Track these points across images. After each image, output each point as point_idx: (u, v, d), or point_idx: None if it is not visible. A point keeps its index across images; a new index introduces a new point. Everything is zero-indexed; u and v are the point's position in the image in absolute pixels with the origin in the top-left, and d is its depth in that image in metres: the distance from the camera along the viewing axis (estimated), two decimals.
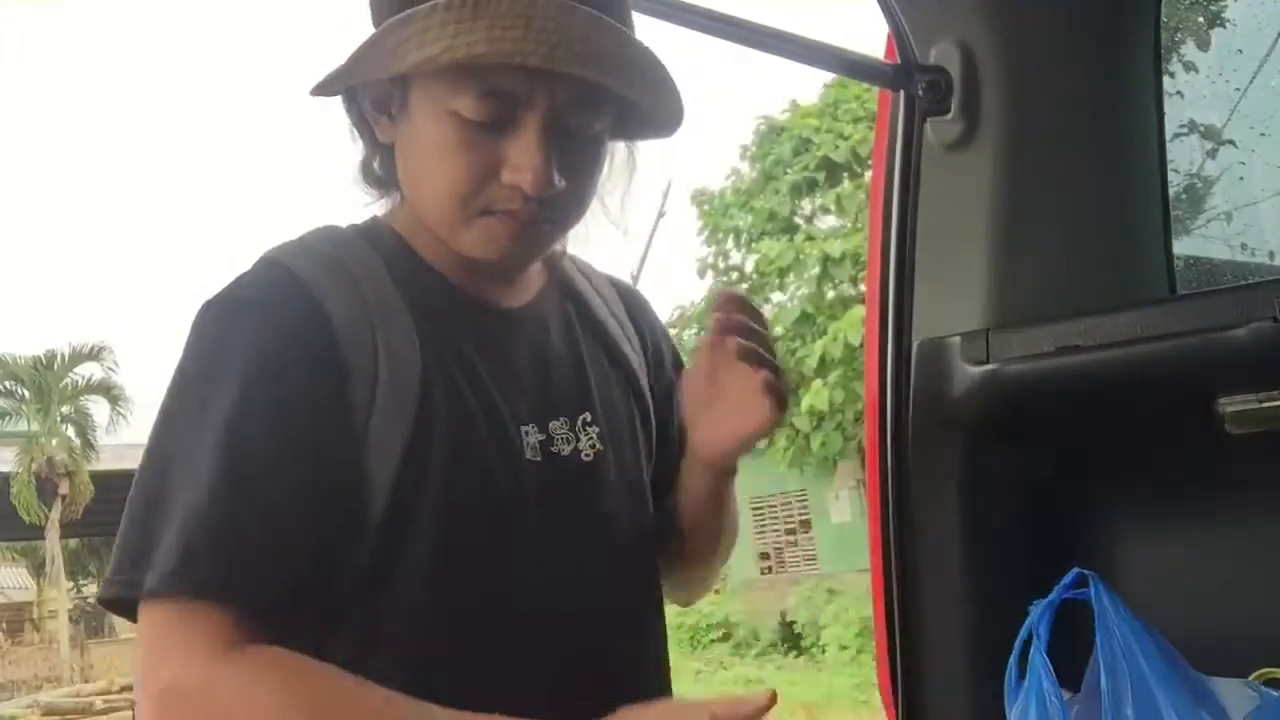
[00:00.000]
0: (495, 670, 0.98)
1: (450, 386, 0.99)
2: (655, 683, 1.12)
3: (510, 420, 1.01)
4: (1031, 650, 1.02)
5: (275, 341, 0.94)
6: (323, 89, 1.00)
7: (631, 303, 1.21)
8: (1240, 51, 1.54)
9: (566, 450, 1.05)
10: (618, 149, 1.07)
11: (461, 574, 0.97)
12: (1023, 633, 1.04)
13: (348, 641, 0.94)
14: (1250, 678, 1.08)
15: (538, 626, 1.00)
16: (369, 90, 1.00)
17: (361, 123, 1.03)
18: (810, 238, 13.97)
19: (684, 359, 1.22)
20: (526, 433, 1.02)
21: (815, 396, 12.83)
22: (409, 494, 0.96)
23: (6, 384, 21.30)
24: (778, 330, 13.71)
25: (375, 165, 1.04)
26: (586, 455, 1.05)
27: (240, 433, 0.90)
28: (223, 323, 0.95)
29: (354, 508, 0.94)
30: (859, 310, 11.48)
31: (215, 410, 0.91)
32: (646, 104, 1.02)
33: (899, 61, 1.28)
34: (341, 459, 0.94)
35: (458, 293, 1.05)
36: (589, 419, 1.07)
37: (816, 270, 13.46)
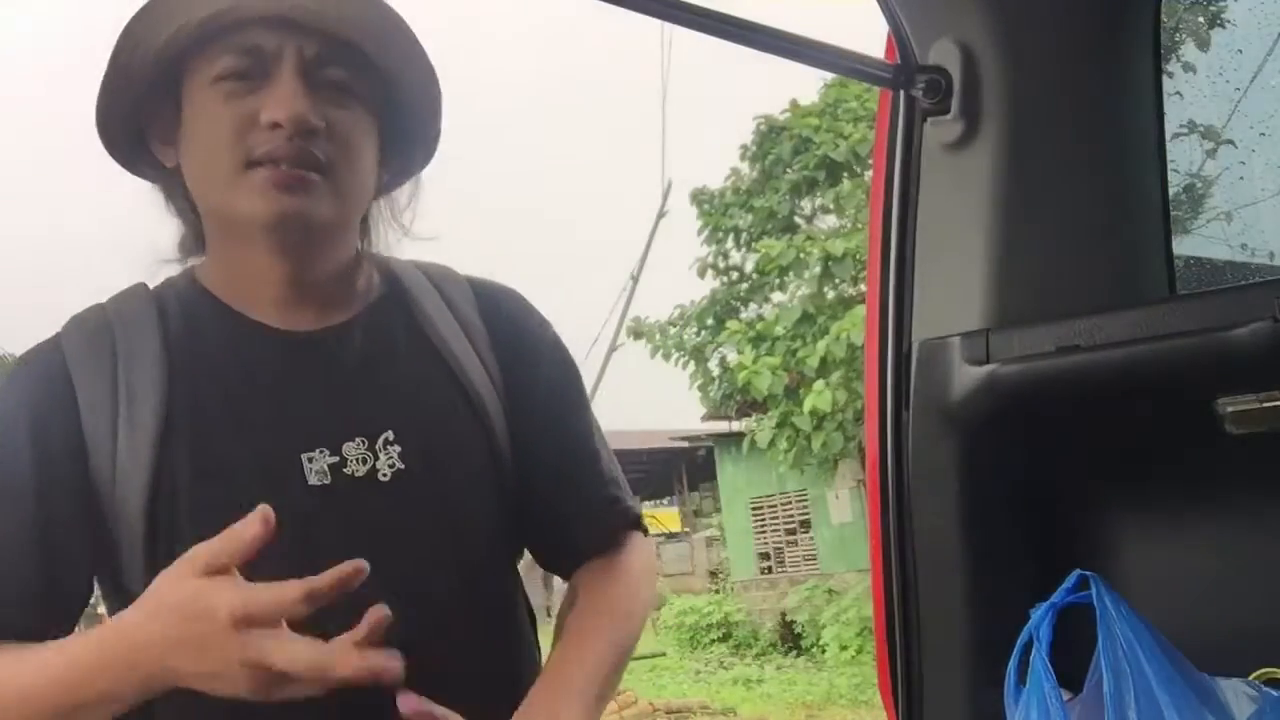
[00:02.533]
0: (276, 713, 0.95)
1: (201, 423, 1.02)
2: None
3: (286, 447, 1.03)
4: (1032, 654, 1.02)
5: (15, 403, 1.04)
6: (104, 118, 1.06)
7: (496, 311, 1.18)
8: (1240, 51, 1.54)
9: (362, 471, 1.04)
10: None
11: None
12: (1023, 636, 1.04)
13: None
14: (1251, 677, 1.08)
15: None
16: (148, 124, 1.07)
17: (151, 167, 1.09)
18: (810, 237, 13.96)
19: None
20: (311, 459, 1.03)
21: (817, 397, 12.82)
22: (163, 531, 1.00)
23: None
24: (779, 330, 13.71)
25: (177, 217, 1.11)
26: (384, 475, 1.05)
27: None
28: None
29: (102, 546, 1.01)
30: (861, 310, 11.48)
31: None
32: (395, 71, 1.07)
33: (899, 61, 1.28)
34: (71, 504, 1.00)
35: (244, 324, 1.08)
36: (391, 437, 1.06)
37: (818, 270, 13.45)
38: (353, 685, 0.85)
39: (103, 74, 1.05)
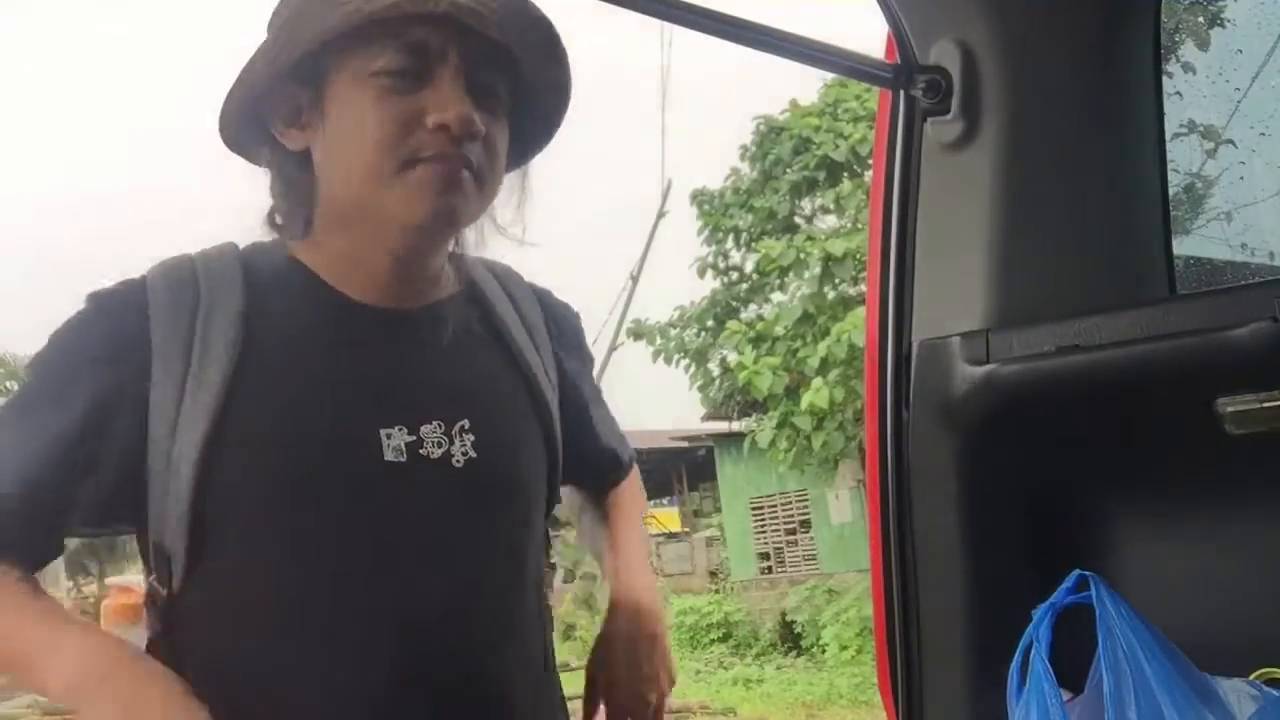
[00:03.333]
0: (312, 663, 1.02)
1: (275, 387, 1.03)
2: (522, 708, 1.11)
3: (365, 420, 1.04)
4: (1032, 654, 1.02)
5: (92, 339, 1.04)
6: (228, 112, 1.05)
7: (556, 318, 1.26)
8: (1240, 51, 1.54)
9: (437, 454, 1.06)
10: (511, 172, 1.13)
11: (277, 563, 1.02)
12: (1025, 638, 1.04)
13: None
14: (1251, 677, 1.08)
15: (376, 623, 1.02)
16: (274, 103, 1.05)
17: (269, 146, 1.08)
18: (811, 237, 13.96)
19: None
20: (389, 434, 1.05)
21: (815, 394, 12.82)
22: (211, 484, 1.01)
23: (6, 384, 21.32)
24: (779, 330, 13.70)
25: (280, 208, 1.10)
26: (457, 461, 1.07)
27: (20, 419, 1.03)
28: (66, 323, 1.06)
29: (127, 491, 1.03)
30: (862, 310, 11.49)
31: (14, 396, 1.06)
32: (534, 69, 1.08)
33: (899, 61, 1.28)
34: (126, 445, 1.02)
35: (331, 294, 1.09)
36: (467, 426, 1.08)
37: (818, 270, 13.45)
38: None
39: (253, 54, 1.03)
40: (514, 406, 1.15)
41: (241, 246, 1.12)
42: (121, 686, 0.94)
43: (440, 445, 1.07)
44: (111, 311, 1.05)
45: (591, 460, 1.32)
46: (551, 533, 1.23)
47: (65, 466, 1.02)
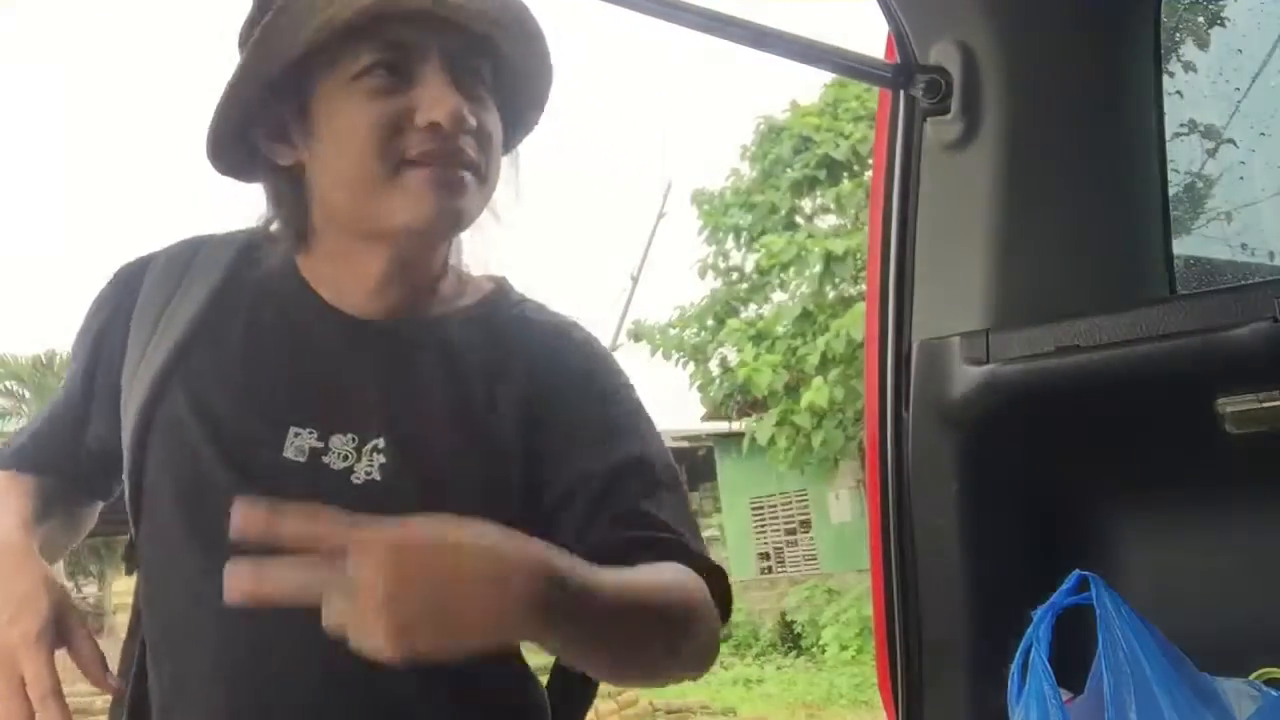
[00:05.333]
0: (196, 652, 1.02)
1: (214, 367, 1.05)
2: None
3: (278, 416, 1.03)
4: (1032, 655, 1.02)
5: (100, 304, 1.14)
6: (217, 134, 1.04)
7: (559, 365, 1.10)
8: (1240, 51, 1.54)
9: (339, 466, 1.02)
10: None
11: (179, 554, 1.03)
12: (1025, 639, 1.04)
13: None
14: (1251, 677, 1.08)
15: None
16: (262, 125, 1.04)
17: (259, 164, 1.06)
18: (811, 235, 13.97)
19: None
20: (296, 434, 1.02)
21: (815, 393, 12.82)
22: (144, 456, 1.04)
23: (7, 384, 21.28)
24: (779, 329, 13.70)
25: (276, 214, 1.08)
26: (357, 478, 1.01)
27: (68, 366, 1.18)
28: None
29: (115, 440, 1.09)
30: (861, 306, 11.49)
31: None
32: (517, 58, 1.06)
33: (899, 61, 1.28)
34: (107, 407, 1.11)
35: (305, 293, 1.08)
36: (380, 445, 1.02)
37: (819, 268, 13.45)
38: None
39: (232, 75, 1.02)
40: (455, 445, 1.04)
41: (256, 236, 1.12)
42: None
43: (345, 459, 1.02)
44: (118, 280, 1.14)
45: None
46: None
47: (74, 409, 1.14)
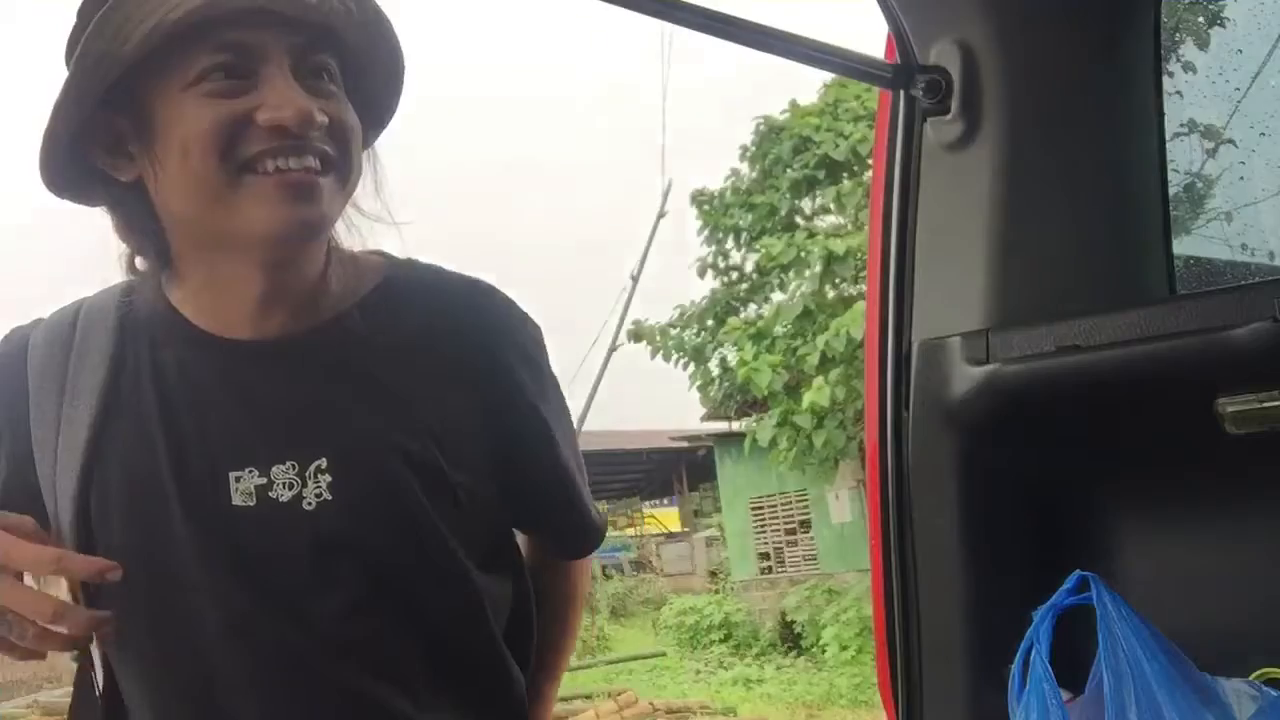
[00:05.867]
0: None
1: (135, 429, 1.00)
2: None
3: (216, 463, 0.99)
4: (1032, 655, 1.02)
5: None
6: (50, 163, 0.98)
7: (480, 341, 1.08)
8: (1240, 51, 1.54)
9: (286, 496, 0.99)
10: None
11: (135, 620, 0.98)
12: (1025, 639, 1.04)
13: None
14: (1251, 677, 1.08)
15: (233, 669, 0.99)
16: (97, 141, 0.98)
17: (100, 185, 1.00)
18: (812, 235, 13.97)
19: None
20: (239, 478, 0.99)
21: (816, 393, 12.82)
22: (94, 531, 1.00)
23: None
24: (778, 330, 13.70)
25: (130, 237, 1.03)
26: (308, 503, 0.99)
27: None
28: None
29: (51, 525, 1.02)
30: (861, 305, 11.48)
31: None
32: (364, 47, 1.00)
33: (899, 61, 1.28)
34: (20, 486, 1.04)
35: (191, 332, 1.03)
36: (323, 465, 0.99)
37: (819, 268, 13.46)
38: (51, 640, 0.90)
39: (59, 93, 0.95)
40: (389, 447, 1.01)
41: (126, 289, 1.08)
42: None
43: (291, 487, 0.99)
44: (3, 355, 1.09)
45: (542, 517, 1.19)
46: None
47: None
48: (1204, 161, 1.57)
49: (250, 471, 0.99)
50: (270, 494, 0.99)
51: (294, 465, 0.99)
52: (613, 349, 16.17)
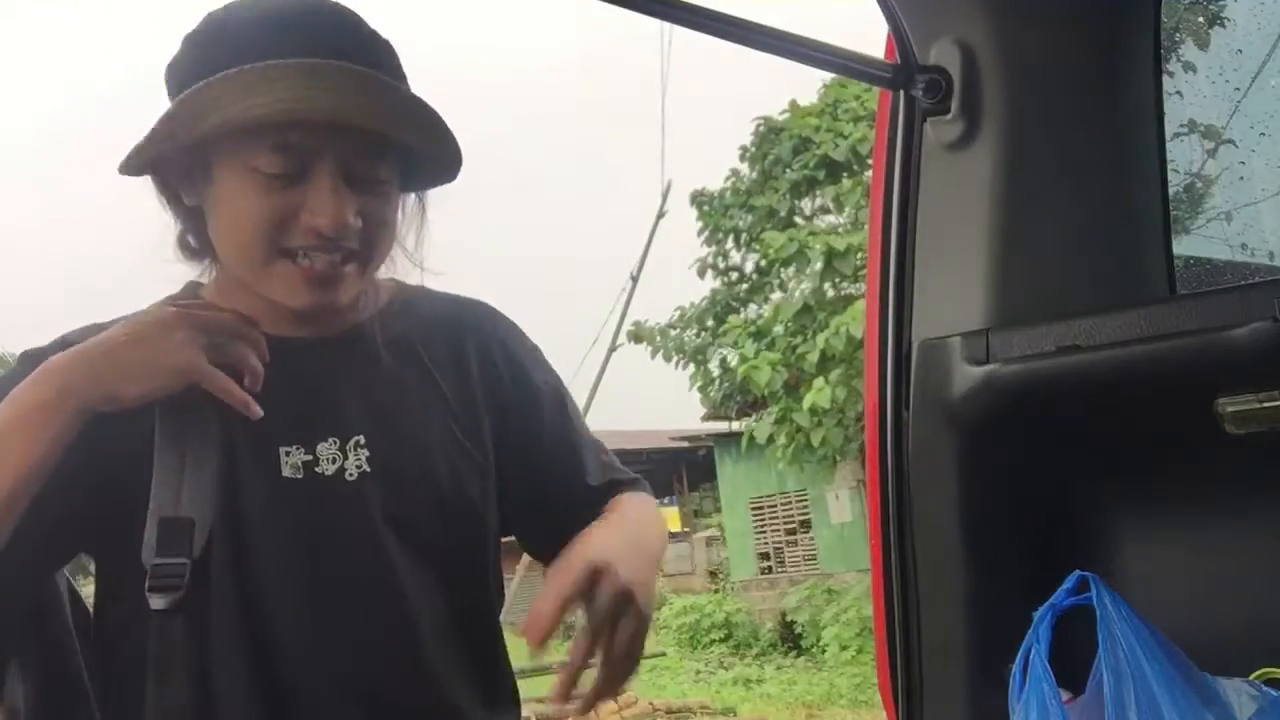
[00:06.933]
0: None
1: (212, 413, 1.09)
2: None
3: (265, 441, 1.10)
4: (1032, 655, 1.02)
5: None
6: (128, 166, 1.10)
7: (478, 332, 1.25)
8: (1240, 51, 1.54)
9: (330, 470, 1.12)
10: (408, 199, 1.18)
11: (220, 577, 1.07)
12: (1025, 640, 1.04)
13: None
14: (1251, 677, 1.08)
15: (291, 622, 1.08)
16: (173, 161, 1.09)
17: (168, 192, 1.13)
18: (813, 232, 13.97)
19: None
20: (287, 452, 1.11)
21: (817, 394, 12.82)
22: (159, 497, 1.07)
23: None
24: (778, 329, 13.69)
25: (189, 236, 1.15)
26: (350, 475, 1.12)
27: None
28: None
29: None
30: (861, 304, 11.48)
31: None
32: (423, 149, 1.12)
33: (899, 61, 1.28)
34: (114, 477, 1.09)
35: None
36: (362, 441, 1.13)
37: (820, 264, 13.45)
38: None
39: (154, 126, 1.07)
40: (430, 428, 1.17)
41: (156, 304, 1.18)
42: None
43: (334, 461, 1.12)
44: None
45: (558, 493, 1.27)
46: None
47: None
48: (1204, 161, 1.57)
49: (298, 448, 1.11)
50: (316, 468, 1.11)
51: (335, 441, 1.12)
52: (612, 349, 16.17)
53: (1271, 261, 1.61)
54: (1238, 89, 1.53)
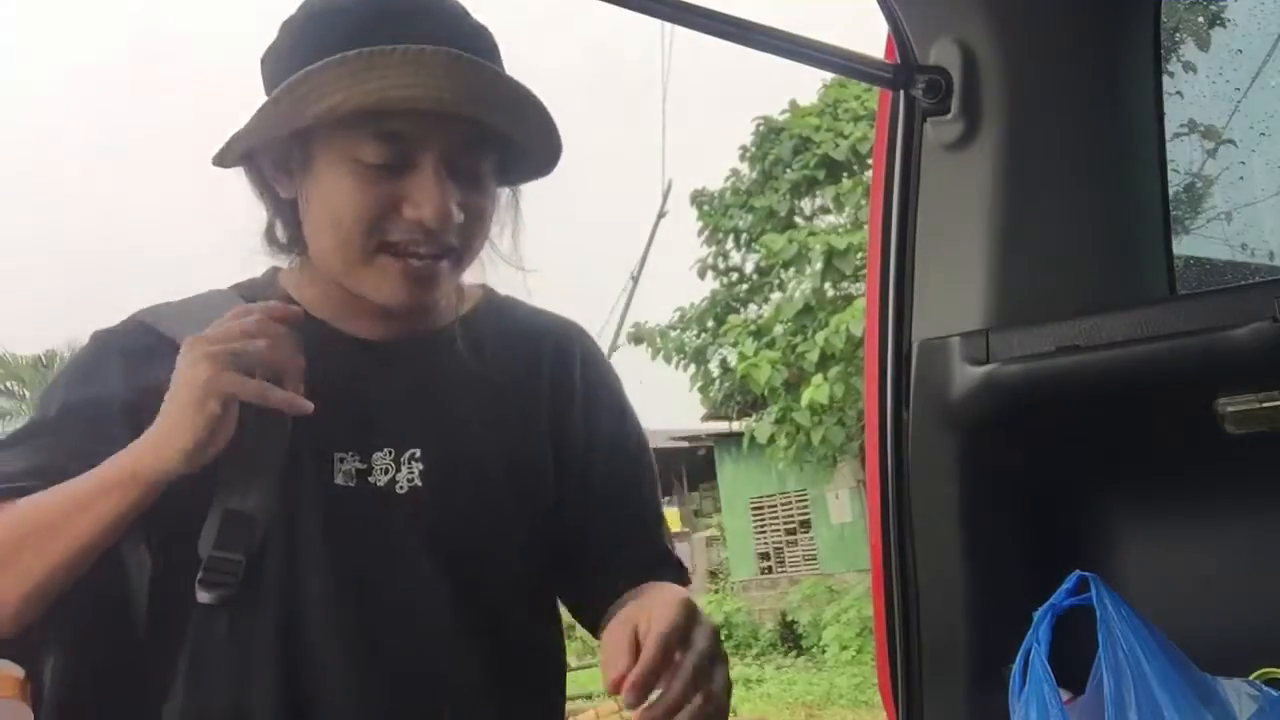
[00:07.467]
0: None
1: (269, 413, 1.05)
2: None
3: (323, 446, 1.07)
4: (1032, 655, 1.02)
5: (112, 348, 1.11)
6: (224, 157, 1.07)
7: (558, 354, 1.21)
8: (1240, 51, 1.54)
9: (383, 481, 1.08)
10: (502, 193, 1.14)
11: (265, 577, 1.05)
12: (1025, 640, 1.04)
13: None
14: (1251, 677, 1.08)
15: (328, 635, 1.05)
16: (269, 152, 1.07)
17: (263, 185, 1.10)
18: (813, 233, 13.97)
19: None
20: (342, 459, 1.08)
21: (815, 391, 12.82)
22: (215, 494, 1.04)
23: (7, 384, 21.30)
24: (778, 329, 13.69)
25: (278, 228, 1.11)
26: (401, 487, 1.08)
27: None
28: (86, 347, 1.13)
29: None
30: (861, 303, 11.48)
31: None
32: (527, 142, 1.09)
33: (899, 61, 1.28)
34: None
35: (317, 325, 1.11)
36: (417, 454, 1.09)
37: (820, 264, 13.45)
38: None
39: (252, 117, 1.04)
40: (484, 444, 1.13)
41: (237, 290, 1.16)
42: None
43: (386, 471, 1.09)
44: (130, 330, 1.13)
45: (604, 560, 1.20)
46: None
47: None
48: (1204, 161, 1.57)
49: (352, 455, 1.08)
50: (369, 479, 1.08)
51: (391, 452, 1.09)
52: (612, 349, 16.17)
53: (1271, 261, 1.61)
54: (1238, 89, 1.53)
